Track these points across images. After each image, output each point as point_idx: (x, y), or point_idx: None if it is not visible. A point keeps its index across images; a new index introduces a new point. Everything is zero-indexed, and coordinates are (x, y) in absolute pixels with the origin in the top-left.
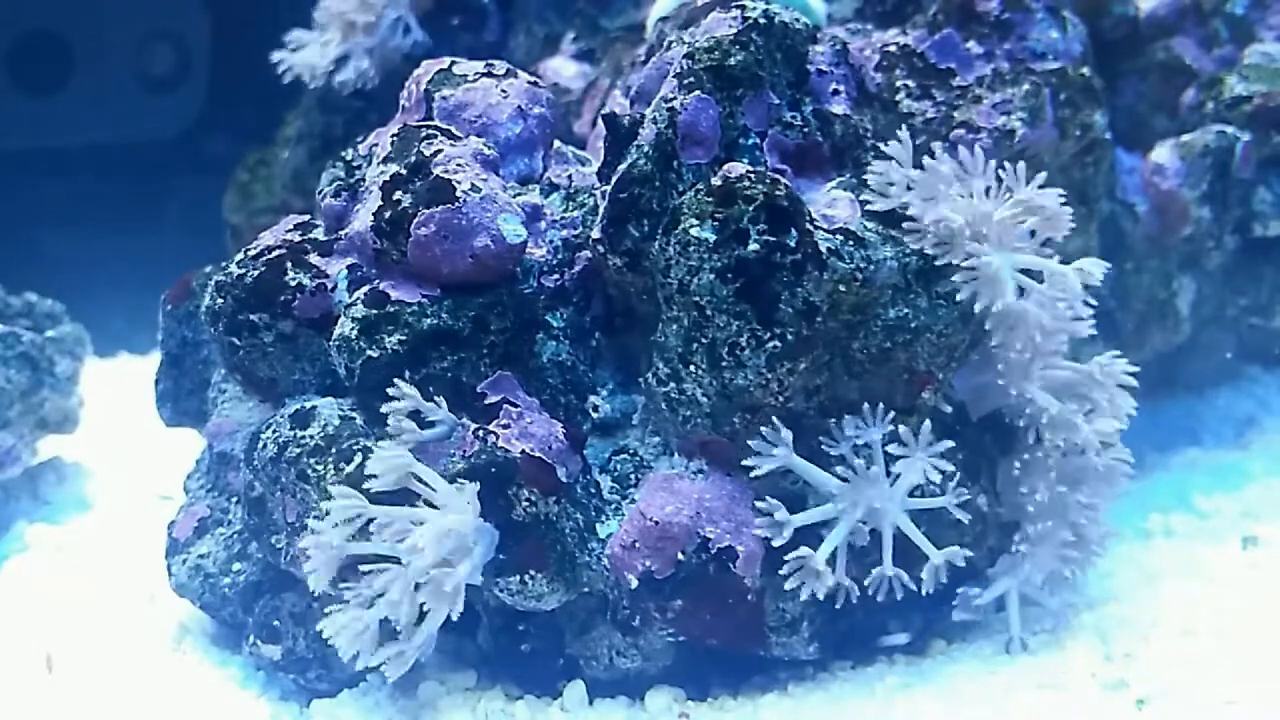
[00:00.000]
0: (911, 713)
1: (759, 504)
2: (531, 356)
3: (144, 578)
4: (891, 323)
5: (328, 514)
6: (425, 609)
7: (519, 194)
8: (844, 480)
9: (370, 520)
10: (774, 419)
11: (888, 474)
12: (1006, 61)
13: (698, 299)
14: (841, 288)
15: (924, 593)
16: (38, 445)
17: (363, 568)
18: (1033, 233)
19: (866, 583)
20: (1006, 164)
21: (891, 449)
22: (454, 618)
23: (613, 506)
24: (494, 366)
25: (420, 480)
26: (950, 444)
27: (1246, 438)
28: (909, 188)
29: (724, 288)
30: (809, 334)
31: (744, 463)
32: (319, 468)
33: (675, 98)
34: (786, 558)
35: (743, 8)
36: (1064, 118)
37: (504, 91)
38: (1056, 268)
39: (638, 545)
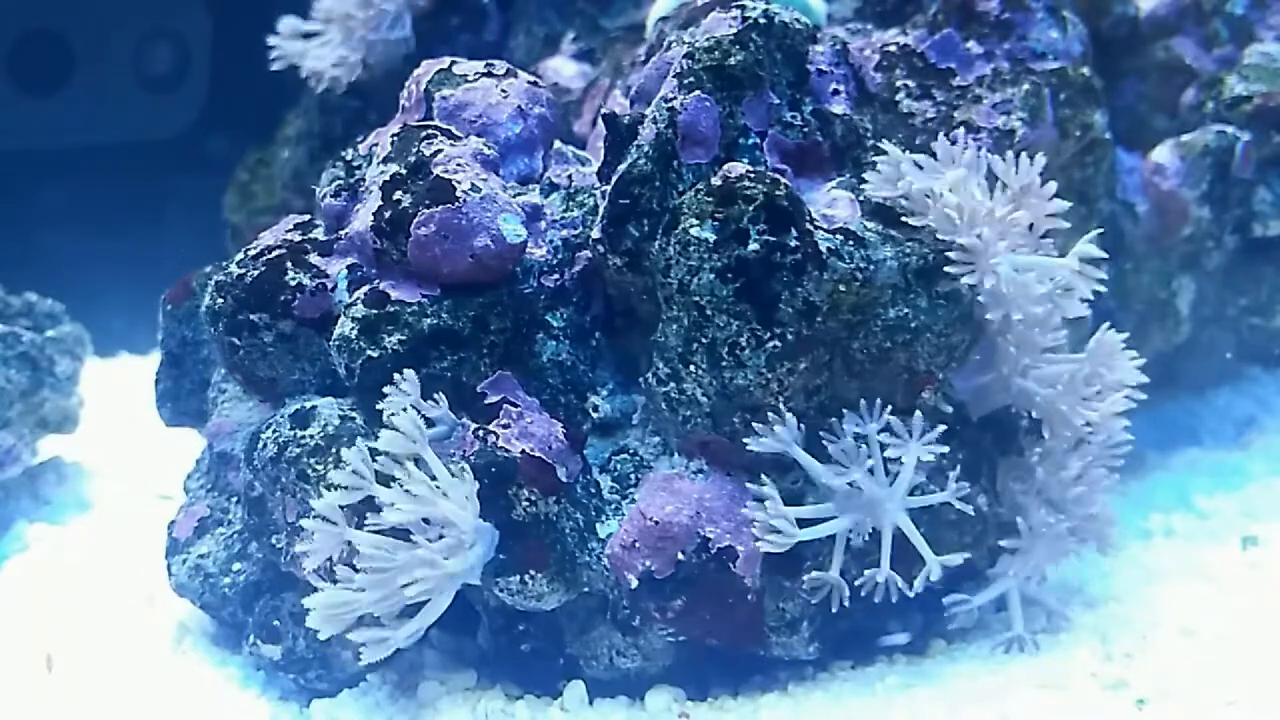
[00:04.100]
0: (911, 713)
1: (752, 486)
2: (531, 356)
3: (144, 578)
4: (891, 323)
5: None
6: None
7: (519, 194)
8: (844, 476)
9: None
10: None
11: (886, 472)
12: (1006, 61)
13: (698, 299)
14: (841, 288)
15: (912, 594)
16: (38, 445)
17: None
18: (1030, 227)
19: (859, 582)
20: (1001, 157)
21: (883, 438)
22: (430, 620)
23: (613, 506)
24: (494, 366)
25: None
26: (943, 427)
27: (1246, 438)
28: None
29: (724, 288)
30: (809, 334)
31: (744, 439)
32: (319, 468)
33: (675, 97)
34: (755, 518)
35: (743, 7)
36: (1064, 118)
37: (504, 91)
38: (1057, 263)
39: (638, 545)
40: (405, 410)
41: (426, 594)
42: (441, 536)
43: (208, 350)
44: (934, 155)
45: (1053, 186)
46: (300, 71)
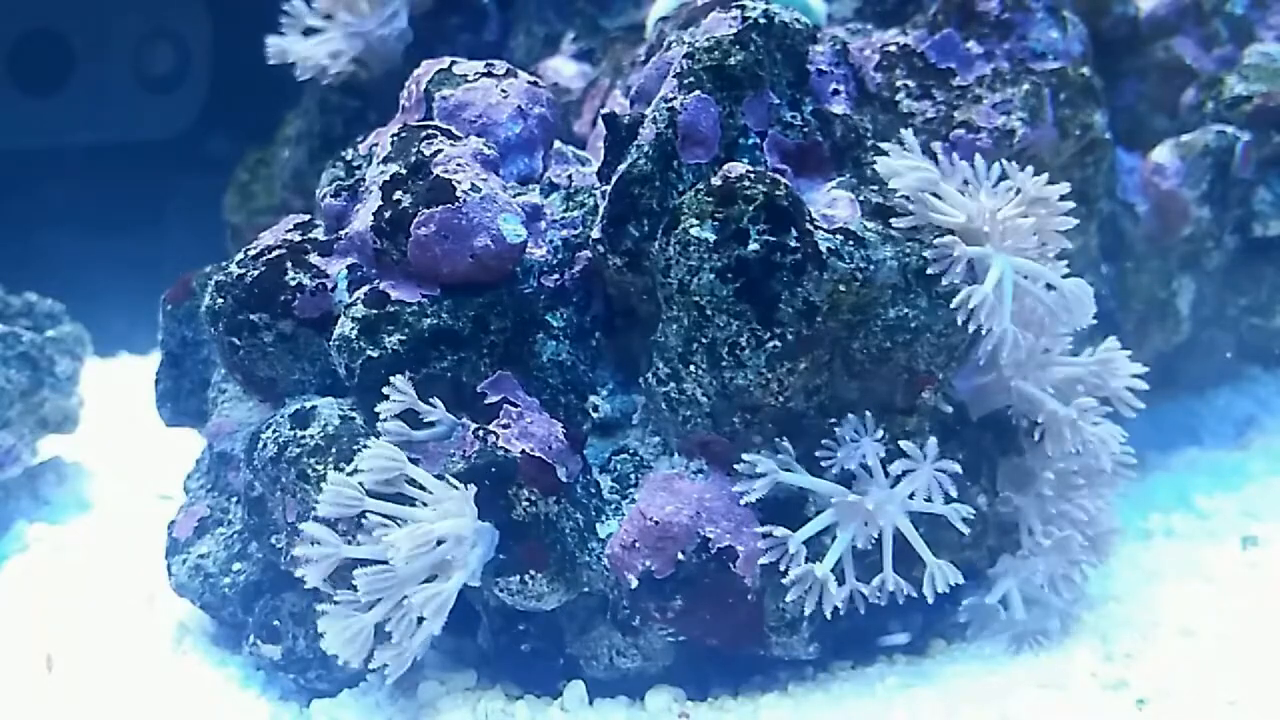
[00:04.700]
0: (911, 713)
1: (761, 530)
2: (531, 356)
3: (144, 578)
4: (891, 322)
5: (322, 502)
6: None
7: (519, 194)
8: (843, 486)
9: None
10: (770, 425)
11: (886, 474)
12: (1006, 61)
13: (698, 299)
14: (841, 287)
15: (920, 595)
16: (38, 445)
17: (357, 572)
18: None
19: (865, 589)
20: (1005, 162)
21: (897, 465)
22: (436, 631)
23: (613, 506)
24: (494, 366)
25: (414, 484)
26: (956, 467)
27: (1246, 438)
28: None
29: (724, 288)
30: (809, 334)
31: (734, 488)
32: (319, 468)
33: (675, 97)
34: (789, 576)
35: (743, 7)
36: (1064, 117)
37: (504, 91)
38: (1055, 276)
39: (638, 545)
40: (390, 420)
41: (431, 606)
42: (440, 543)
43: (208, 350)
44: (933, 156)
45: (1066, 202)
46: (288, 57)
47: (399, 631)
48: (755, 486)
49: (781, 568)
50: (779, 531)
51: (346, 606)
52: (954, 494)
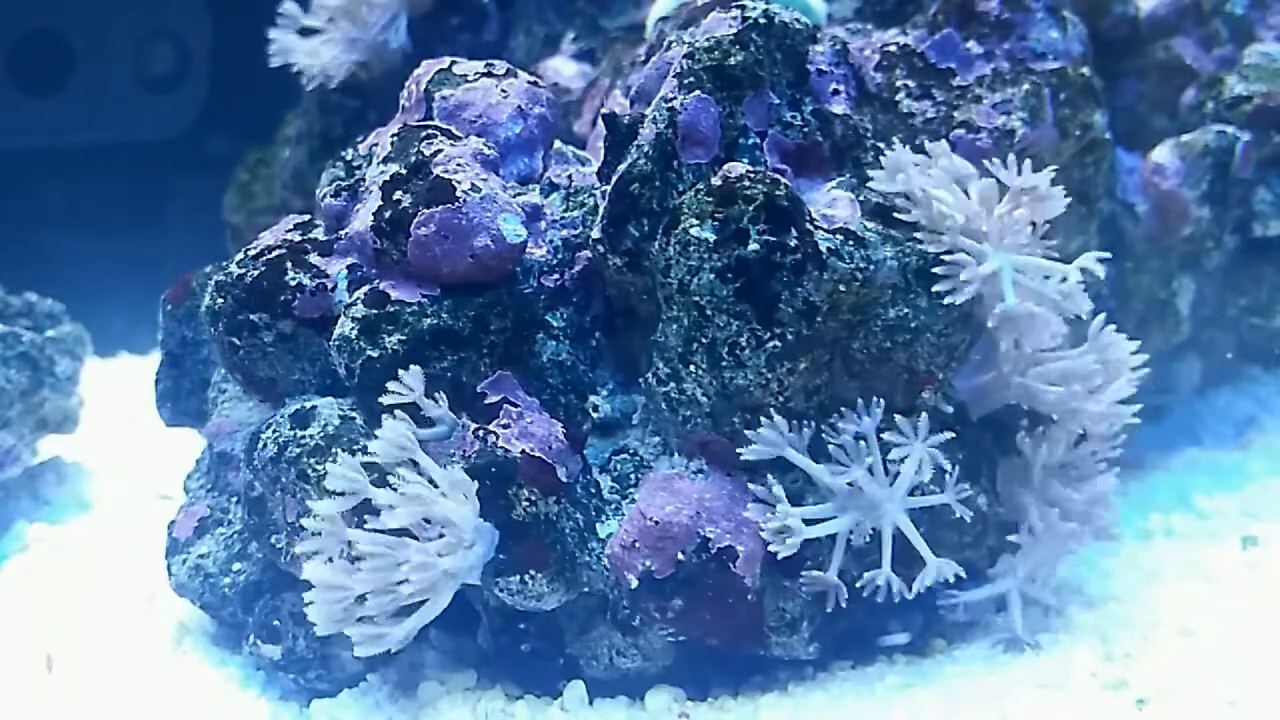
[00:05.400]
0: (911, 713)
1: (756, 487)
2: (531, 356)
3: (144, 578)
4: (891, 322)
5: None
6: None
7: (519, 194)
8: (843, 476)
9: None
10: (773, 414)
11: (886, 471)
12: (1006, 61)
13: (698, 299)
14: (841, 287)
15: (915, 592)
16: (38, 445)
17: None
18: (1033, 225)
19: (862, 584)
20: (997, 160)
21: (889, 436)
22: (428, 619)
23: (613, 506)
24: (494, 366)
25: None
26: (950, 434)
27: (1246, 438)
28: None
29: (724, 287)
30: (809, 334)
31: (739, 450)
32: (319, 468)
33: (675, 97)
34: (786, 544)
35: (743, 7)
36: (1064, 118)
37: (504, 91)
38: (1057, 267)
39: (638, 545)
40: (395, 416)
41: (423, 593)
42: (441, 535)
43: (208, 350)
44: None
45: (1058, 190)
46: (293, 67)
47: (384, 615)
48: (757, 452)
49: (779, 545)
50: (775, 491)
51: (338, 569)
52: (948, 468)
